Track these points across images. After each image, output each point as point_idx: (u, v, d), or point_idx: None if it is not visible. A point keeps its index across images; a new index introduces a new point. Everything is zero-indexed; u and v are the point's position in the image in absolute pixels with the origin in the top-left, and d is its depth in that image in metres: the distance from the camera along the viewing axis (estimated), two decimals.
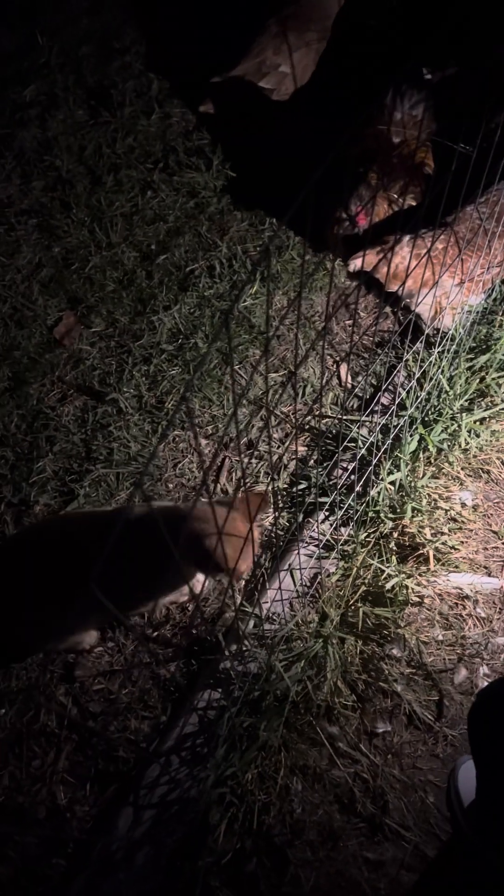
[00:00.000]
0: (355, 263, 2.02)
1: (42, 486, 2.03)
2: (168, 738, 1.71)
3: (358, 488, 1.88)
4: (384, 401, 2.07)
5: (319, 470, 2.01)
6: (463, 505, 1.98)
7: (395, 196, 2.08)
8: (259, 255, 2.39)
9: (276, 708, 1.68)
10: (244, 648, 1.76)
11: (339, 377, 2.20)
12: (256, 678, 1.71)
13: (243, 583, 1.91)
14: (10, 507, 2.00)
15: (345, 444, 2.01)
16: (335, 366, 2.23)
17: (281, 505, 2.00)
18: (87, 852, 1.63)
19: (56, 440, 2.09)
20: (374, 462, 1.89)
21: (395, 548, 1.89)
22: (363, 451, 1.89)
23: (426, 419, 1.99)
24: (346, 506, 1.90)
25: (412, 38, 2.57)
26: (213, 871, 1.62)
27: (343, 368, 2.20)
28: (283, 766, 1.69)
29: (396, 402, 1.97)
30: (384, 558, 1.87)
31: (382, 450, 1.92)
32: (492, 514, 1.99)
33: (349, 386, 2.19)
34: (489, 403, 2.06)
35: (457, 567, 1.90)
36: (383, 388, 2.07)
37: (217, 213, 2.48)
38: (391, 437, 1.91)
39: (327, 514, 1.94)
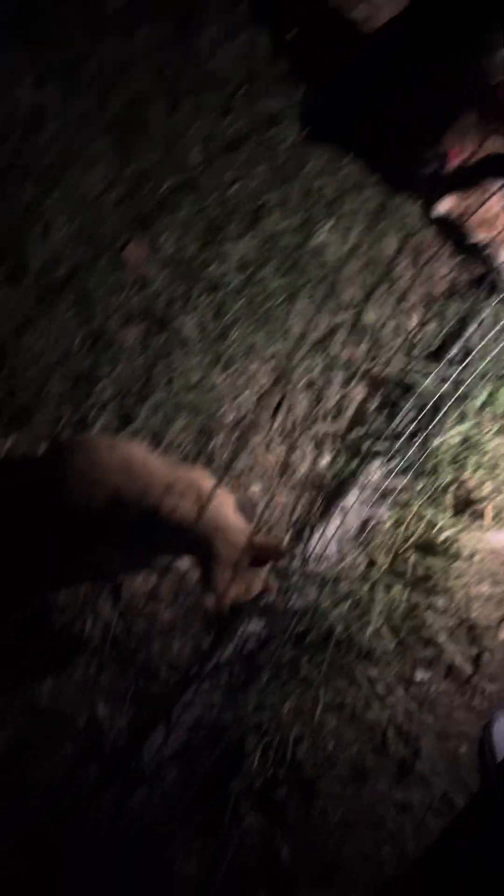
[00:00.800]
0: (440, 207, 1.95)
1: (101, 408, 2.03)
2: (208, 663, 1.73)
3: (420, 438, 1.85)
4: (455, 352, 2.02)
5: (381, 417, 1.98)
6: None
7: (492, 139, 1.99)
8: (335, 192, 2.32)
9: (319, 644, 1.69)
10: (291, 584, 1.77)
11: (409, 324, 2.14)
12: (302, 614, 1.72)
13: (294, 519, 1.90)
14: (70, 426, 2.01)
15: (410, 392, 1.97)
16: (406, 312, 2.17)
17: (339, 447, 1.98)
18: (121, 765, 1.67)
19: (118, 363, 2.08)
20: (442, 413, 1.86)
21: (451, 501, 1.87)
22: (431, 401, 1.85)
23: (498, 375, 1.94)
24: (406, 455, 1.88)
25: None
26: (244, 796, 1.65)
27: (414, 316, 2.15)
28: (320, 701, 1.71)
29: (469, 355, 1.92)
30: (439, 510, 1.85)
31: (449, 401, 1.87)
32: None
33: (419, 334, 2.13)
34: None
35: None
36: (457, 339, 2.02)
37: (296, 144, 2.40)
38: (460, 389, 1.87)
39: (386, 461, 1.91)
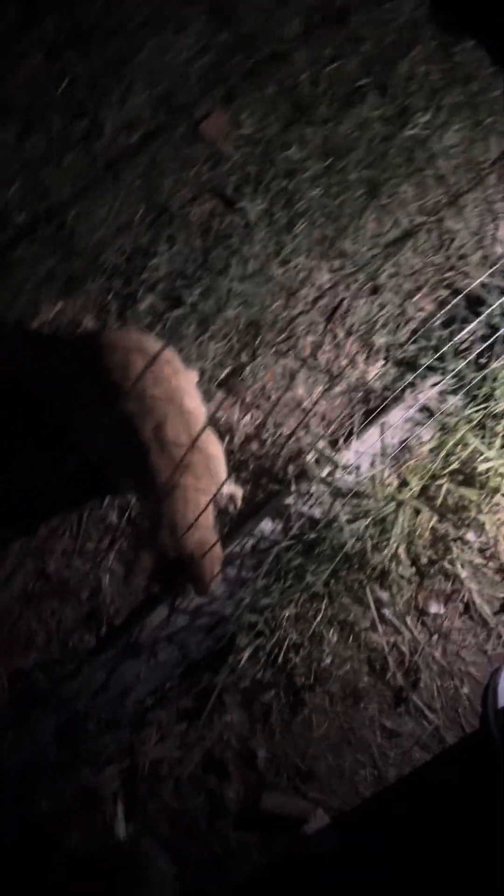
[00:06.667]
0: None
1: (152, 286, 1.95)
2: None
3: (480, 360, 1.69)
4: None
5: (444, 333, 1.82)
6: None
7: None
8: (441, 82, 2.08)
9: (328, 555, 1.61)
10: (312, 490, 1.68)
11: (494, 235, 1.94)
12: (316, 522, 1.64)
13: (331, 428, 1.80)
14: (117, 298, 1.95)
15: (480, 311, 1.79)
16: (493, 223, 1.96)
17: (393, 359, 1.84)
18: (116, 637, 1.68)
19: (176, 241, 1.99)
20: None
21: (501, 431, 1.71)
22: (501, 323, 1.67)
23: None
24: (461, 375, 1.72)
25: None
26: (230, 689, 1.63)
27: (503, 226, 1.94)
28: (322, 613, 1.64)
29: None
30: (486, 440, 1.70)
31: None
32: None
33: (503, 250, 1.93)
34: None
35: None
36: None
37: (408, 24, 2.16)
38: None
39: (439, 380, 1.76)
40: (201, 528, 1.43)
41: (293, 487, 1.70)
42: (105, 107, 2.14)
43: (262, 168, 2.05)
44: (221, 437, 1.77)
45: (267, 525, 1.69)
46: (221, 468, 1.53)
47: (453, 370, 1.73)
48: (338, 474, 1.69)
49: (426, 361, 1.75)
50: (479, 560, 1.69)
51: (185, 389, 1.55)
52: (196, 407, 1.54)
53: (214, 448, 1.54)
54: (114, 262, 1.98)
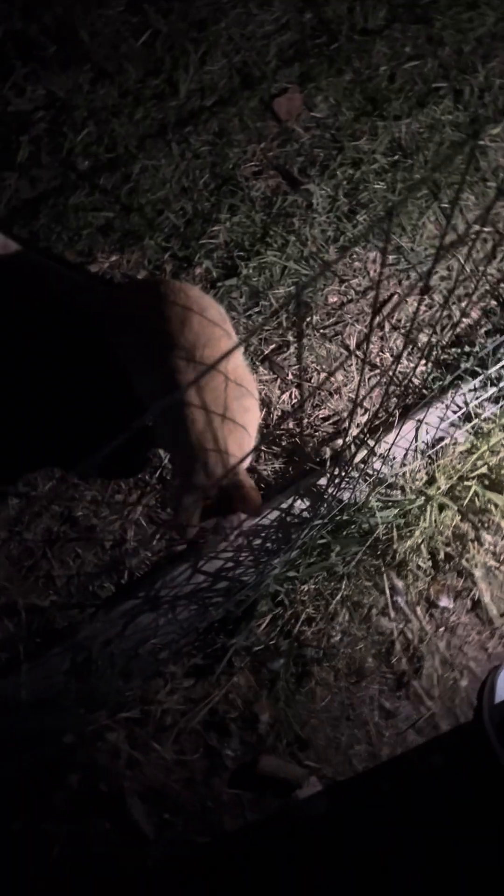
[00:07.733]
0: None
1: (209, 252, 1.98)
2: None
3: None
4: None
5: (490, 341, 1.88)
6: None
7: None
8: None
9: (356, 539, 1.67)
10: (345, 474, 1.73)
11: None
12: (348, 506, 1.69)
13: (367, 417, 1.86)
14: (174, 258, 1.97)
15: None
16: None
17: (436, 359, 1.90)
18: (137, 588, 1.71)
19: (238, 211, 2.01)
20: None
21: None
22: None
23: None
24: (501, 384, 1.79)
25: None
26: (242, 653, 1.68)
27: None
28: (340, 592, 1.70)
29: None
30: None
31: None
32: None
33: None
34: None
35: None
36: None
37: (488, 35, 2.20)
38: None
39: (480, 385, 1.83)
40: (236, 472, 1.47)
41: (327, 468, 1.75)
42: (182, 68, 2.14)
43: (330, 154, 2.08)
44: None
45: (296, 502, 1.74)
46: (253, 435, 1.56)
47: (495, 378, 1.79)
48: (373, 463, 1.75)
49: (468, 366, 1.81)
50: (492, 562, 1.76)
51: (232, 354, 1.58)
52: (234, 368, 1.56)
53: (250, 415, 1.57)
54: (173, 222, 2.00)
